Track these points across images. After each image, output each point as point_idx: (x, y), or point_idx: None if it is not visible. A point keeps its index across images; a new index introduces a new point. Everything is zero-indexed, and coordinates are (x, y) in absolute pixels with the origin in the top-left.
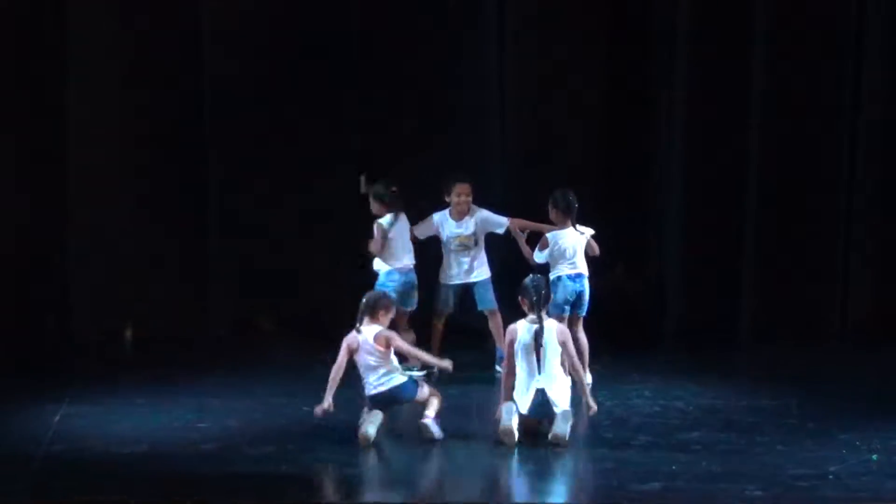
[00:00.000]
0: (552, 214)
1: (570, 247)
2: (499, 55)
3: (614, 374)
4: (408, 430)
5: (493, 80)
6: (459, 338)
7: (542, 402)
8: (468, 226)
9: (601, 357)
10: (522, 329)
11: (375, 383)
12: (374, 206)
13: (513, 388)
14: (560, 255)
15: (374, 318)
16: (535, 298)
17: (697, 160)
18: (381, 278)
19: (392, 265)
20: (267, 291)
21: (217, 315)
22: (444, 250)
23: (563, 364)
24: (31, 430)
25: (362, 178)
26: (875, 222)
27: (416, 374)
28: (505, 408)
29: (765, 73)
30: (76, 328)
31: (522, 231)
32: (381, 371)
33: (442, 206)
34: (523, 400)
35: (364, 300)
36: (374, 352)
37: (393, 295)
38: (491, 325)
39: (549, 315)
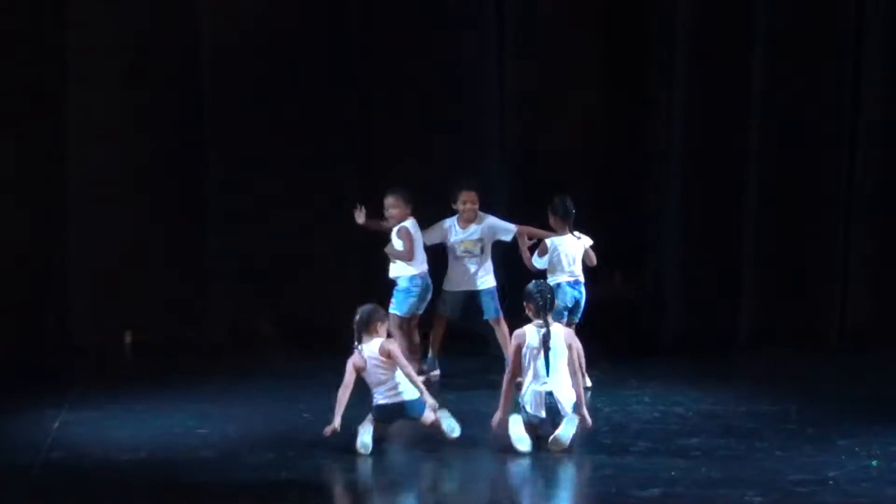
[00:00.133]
0: (551, 221)
1: (570, 254)
2: (498, 56)
3: (613, 380)
4: (408, 437)
5: (493, 80)
6: (459, 343)
7: (550, 405)
8: (475, 232)
9: (600, 363)
10: (530, 333)
11: (386, 393)
12: (396, 212)
13: (515, 393)
14: (559, 262)
15: (371, 332)
16: (540, 303)
17: (696, 163)
18: (403, 283)
19: (415, 270)
20: (267, 296)
21: (217, 321)
22: (449, 257)
23: (569, 366)
24: (31, 437)
25: (359, 210)
26: (875, 225)
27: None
28: (512, 420)
29: (764, 73)
30: (76, 333)
31: (530, 238)
32: (391, 383)
33: (440, 208)
34: (532, 403)
35: (357, 317)
36: (382, 364)
37: (414, 300)
38: (497, 334)
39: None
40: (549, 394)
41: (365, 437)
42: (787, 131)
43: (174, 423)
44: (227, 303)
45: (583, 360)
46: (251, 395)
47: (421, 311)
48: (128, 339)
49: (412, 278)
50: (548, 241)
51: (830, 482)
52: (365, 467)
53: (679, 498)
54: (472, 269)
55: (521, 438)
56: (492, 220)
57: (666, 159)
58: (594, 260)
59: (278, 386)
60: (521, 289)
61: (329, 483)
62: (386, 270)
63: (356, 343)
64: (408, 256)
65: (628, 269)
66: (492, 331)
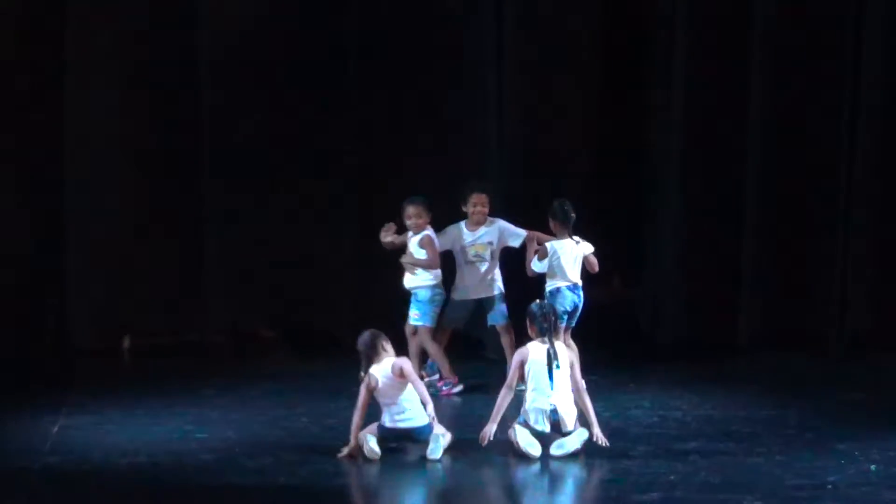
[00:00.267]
0: (551, 226)
1: (569, 258)
2: (497, 56)
3: (612, 385)
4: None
5: (492, 81)
6: (455, 347)
7: (554, 421)
8: (485, 235)
9: (599, 368)
10: (533, 349)
11: (394, 418)
12: (420, 221)
13: (513, 404)
14: (558, 267)
15: (379, 353)
16: (545, 325)
17: (695, 166)
18: (425, 294)
19: (435, 279)
20: (266, 300)
21: (216, 324)
22: (457, 264)
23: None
24: (29, 441)
25: (388, 229)
26: (875, 230)
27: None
28: (517, 429)
29: (764, 73)
30: (74, 337)
31: (538, 244)
32: (400, 407)
33: (440, 209)
34: (535, 419)
35: (361, 346)
36: (395, 383)
37: (438, 308)
38: (503, 341)
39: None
40: (554, 410)
41: (371, 443)
42: (787, 132)
43: (173, 428)
44: (226, 307)
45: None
46: (250, 399)
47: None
48: (126, 343)
49: (433, 288)
50: (547, 245)
51: (829, 487)
52: (364, 473)
53: (678, 502)
54: (482, 275)
55: (531, 443)
56: (502, 224)
57: (663, 165)
58: (595, 266)
59: (277, 390)
60: (521, 293)
61: (327, 488)
62: (385, 273)
63: (364, 370)
64: (435, 264)
65: (627, 273)
66: (495, 336)
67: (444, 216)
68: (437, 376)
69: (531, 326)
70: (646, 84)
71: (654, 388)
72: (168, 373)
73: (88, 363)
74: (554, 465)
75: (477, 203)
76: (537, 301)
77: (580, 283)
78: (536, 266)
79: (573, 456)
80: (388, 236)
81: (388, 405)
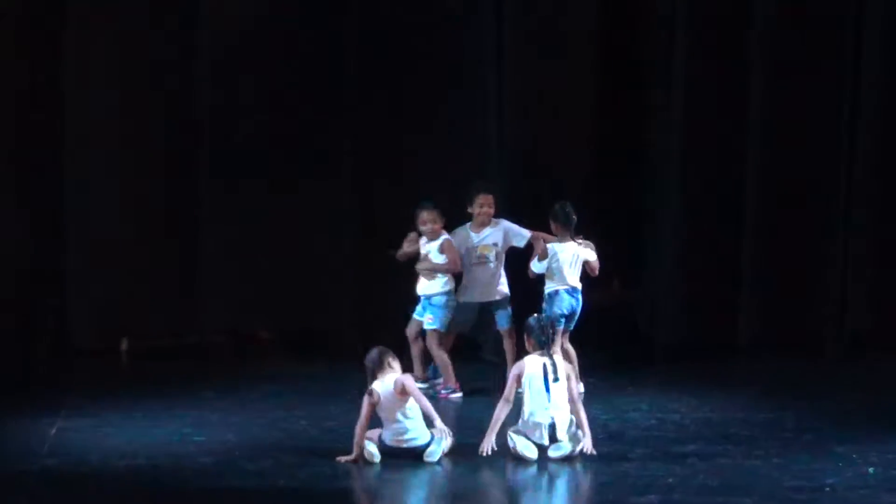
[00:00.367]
0: (552, 228)
1: (569, 261)
2: (496, 57)
3: (610, 388)
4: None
5: (492, 81)
6: (452, 350)
7: (552, 436)
8: (490, 236)
9: (597, 370)
10: (531, 362)
11: (394, 437)
12: (436, 227)
13: (512, 411)
14: (557, 269)
15: (384, 369)
16: (542, 339)
17: (694, 166)
18: (440, 299)
19: (449, 285)
20: (265, 302)
21: (214, 326)
22: (464, 265)
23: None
24: (28, 444)
25: (412, 240)
26: (874, 232)
27: (423, 385)
28: (518, 439)
29: (764, 74)
30: (73, 339)
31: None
32: (401, 426)
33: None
34: (534, 432)
35: (368, 362)
36: (396, 400)
37: (451, 314)
38: (506, 344)
39: (550, 316)
40: (552, 425)
41: (371, 446)
42: (787, 132)
43: (171, 430)
44: (226, 307)
45: (575, 366)
46: (249, 402)
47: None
48: (125, 345)
49: (449, 293)
50: (548, 247)
51: (827, 489)
52: (364, 475)
53: None
54: (488, 277)
55: (527, 446)
56: (507, 225)
57: (663, 167)
58: (596, 271)
59: (276, 392)
60: (523, 297)
61: (327, 491)
62: (385, 273)
63: (370, 384)
64: (458, 267)
65: (626, 274)
66: (498, 339)
67: (444, 215)
68: (440, 380)
69: (528, 339)
70: (645, 84)
71: (653, 390)
72: (167, 375)
73: (87, 365)
74: (552, 467)
75: (483, 204)
76: (535, 314)
77: (579, 286)
78: (536, 267)
79: (571, 458)
80: (412, 245)
81: (389, 422)
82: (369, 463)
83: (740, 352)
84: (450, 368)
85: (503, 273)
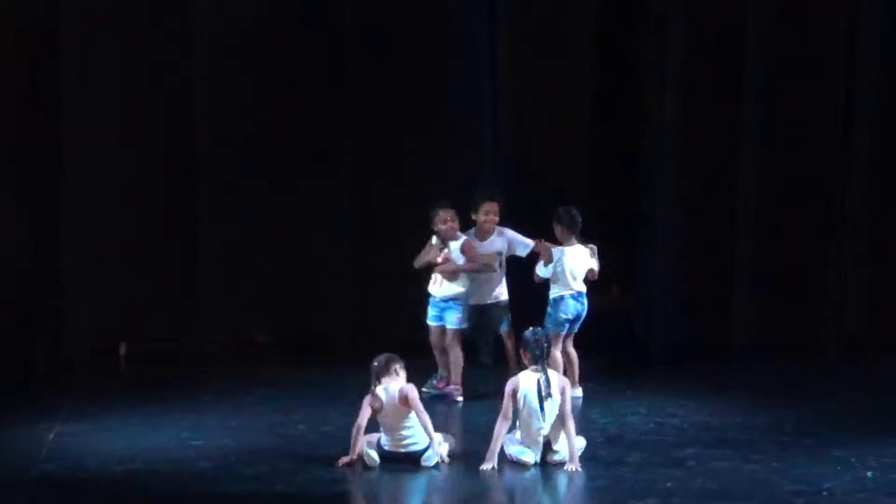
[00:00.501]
0: (558, 232)
1: (575, 265)
2: (490, 59)
3: (608, 392)
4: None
5: (486, 84)
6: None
7: (545, 451)
8: (495, 244)
9: (596, 374)
10: (525, 379)
11: (393, 444)
12: (455, 225)
13: (507, 433)
14: (563, 273)
15: (391, 374)
16: (537, 353)
17: (690, 171)
18: (461, 299)
19: (467, 286)
20: (264, 304)
21: (212, 331)
22: None
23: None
24: (26, 449)
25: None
26: (871, 236)
27: (425, 389)
28: (510, 444)
29: (762, 75)
30: (71, 344)
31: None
32: (401, 434)
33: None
34: (529, 446)
35: (375, 364)
36: (397, 409)
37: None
38: (507, 348)
39: (546, 330)
40: (546, 442)
41: (370, 451)
42: (784, 133)
43: (169, 435)
44: (225, 309)
45: (576, 371)
46: (246, 406)
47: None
48: (123, 349)
49: (467, 293)
50: (554, 251)
51: (826, 493)
52: (361, 480)
53: None
54: (490, 283)
55: (523, 450)
56: (510, 234)
57: (658, 170)
58: (595, 275)
59: (274, 396)
60: (526, 302)
61: (324, 496)
62: (385, 274)
63: (374, 386)
64: (478, 267)
65: (624, 276)
66: (498, 343)
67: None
68: (443, 383)
69: (524, 353)
70: (641, 85)
71: (651, 394)
72: (164, 380)
73: (85, 369)
74: (550, 471)
75: (489, 212)
76: (531, 328)
77: (584, 290)
78: (542, 271)
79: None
80: (433, 255)
81: (389, 430)
82: (368, 467)
83: (739, 353)
84: (461, 369)
85: (504, 277)
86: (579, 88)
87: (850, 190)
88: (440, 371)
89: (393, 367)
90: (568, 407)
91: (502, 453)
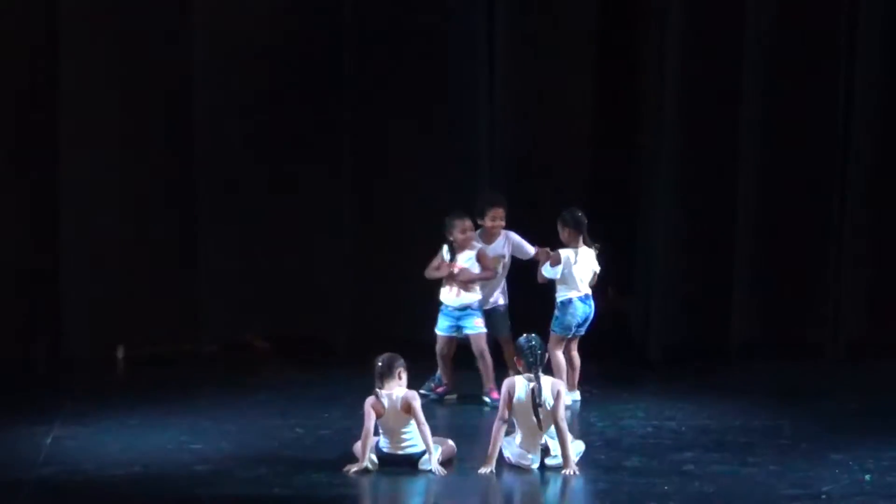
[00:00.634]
0: (563, 234)
1: (582, 267)
2: (489, 59)
3: (606, 395)
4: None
5: (483, 84)
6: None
7: (543, 458)
8: (500, 249)
9: (593, 377)
10: (519, 385)
11: (392, 446)
12: (472, 234)
13: (506, 436)
14: (570, 275)
15: (394, 377)
16: (531, 360)
17: (690, 171)
18: (478, 305)
19: (481, 293)
20: (263, 305)
21: (210, 334)
22: None
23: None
24: (23, 452)
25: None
26: (871, 236)
27: (423, 391)
28: (516, 453)
29: (761, 74)
30: (68, 347)
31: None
32: (400, 437)
33: (435, 214)
34: (526, 453)
35: (379, 364)
36: (399, 415)
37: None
38: (506, 353)
39: (553, 333)
40: (544, 449)
41: (369, 454)
42: (783, 133)
43: (167, 438)
44: (224, 309)
45: (577, 374)
46: (244, 410)
47: None
48: (120, 353)
49: (482, 299)
50: (561, 252)
51: (824, 496)
52: (359, 483)
53: None
54: (492, 287)
55: (522, 454)
56: (515, 239)
57: (655, 171)
58: (595, 280)
59: (272, 400)
60: (527, 304)
61: (322, 499)
62: (385, 275)
63: (377, 388)
64: (494, 275)
65: (622, 278)
66: (497, 346)
67: (444, 215)
68: (442, 388)
69: (518, 360)
70: (641, 85)
71: (648, 398)
72: (162, 383)
73: (83, 372)
74: (548, 475)
75: (496, 217)
76: (525, 335)
77: (590, 292)
78: (548, 272)
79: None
80: (453, 269)
81: (388, 433)
82: (367, 470)
83: (737, 355)
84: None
85: (504, 282)
86: (579, 88)
87: (850, 190)
88: (439, 374)
89: (396, 370)
90: (560, 411)
91: (501, 457)
